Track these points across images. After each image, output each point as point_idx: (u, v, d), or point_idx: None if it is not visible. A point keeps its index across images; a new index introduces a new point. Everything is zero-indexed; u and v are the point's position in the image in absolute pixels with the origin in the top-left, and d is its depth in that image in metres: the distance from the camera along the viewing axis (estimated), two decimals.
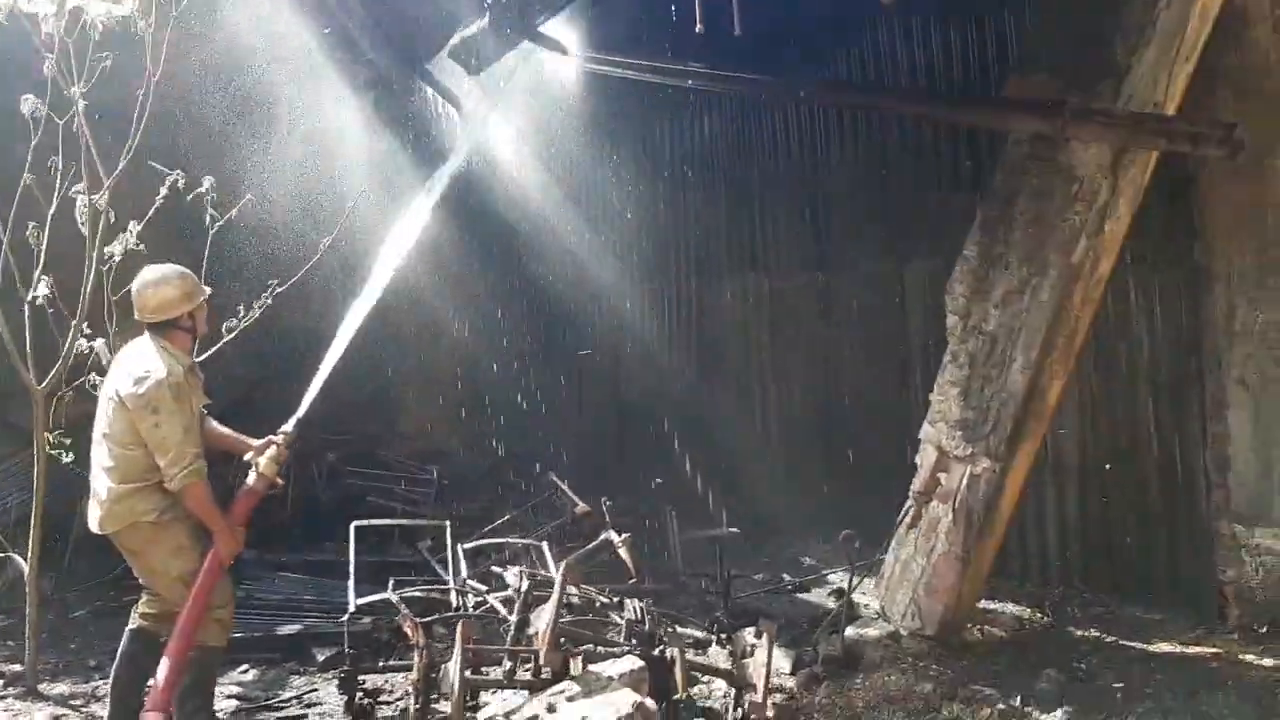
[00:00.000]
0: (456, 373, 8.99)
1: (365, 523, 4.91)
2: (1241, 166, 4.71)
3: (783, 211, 7.95)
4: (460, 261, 8.58)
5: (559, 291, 9.46)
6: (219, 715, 4.28)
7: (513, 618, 4.06)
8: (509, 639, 4.00)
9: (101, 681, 4.73)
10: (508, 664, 3.90)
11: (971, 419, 4.90)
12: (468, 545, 5.00)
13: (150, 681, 3.95)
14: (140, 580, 4.19)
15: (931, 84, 6.57)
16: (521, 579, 4.18)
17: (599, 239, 9.18)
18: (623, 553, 5.06)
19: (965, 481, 4.92)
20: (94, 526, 4.06)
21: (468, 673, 3.66)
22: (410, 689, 3.96)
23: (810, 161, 7.62)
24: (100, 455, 4.05)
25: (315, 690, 4.67)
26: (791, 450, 7.93)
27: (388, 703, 4.51)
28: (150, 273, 4.12)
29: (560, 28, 6.29)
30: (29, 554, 4.46)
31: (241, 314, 4.90)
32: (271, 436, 4.27)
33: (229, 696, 4.60)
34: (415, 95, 7.68)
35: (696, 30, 3.33)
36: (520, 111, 7.91)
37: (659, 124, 8.81)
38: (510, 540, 5.18)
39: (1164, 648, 5.10)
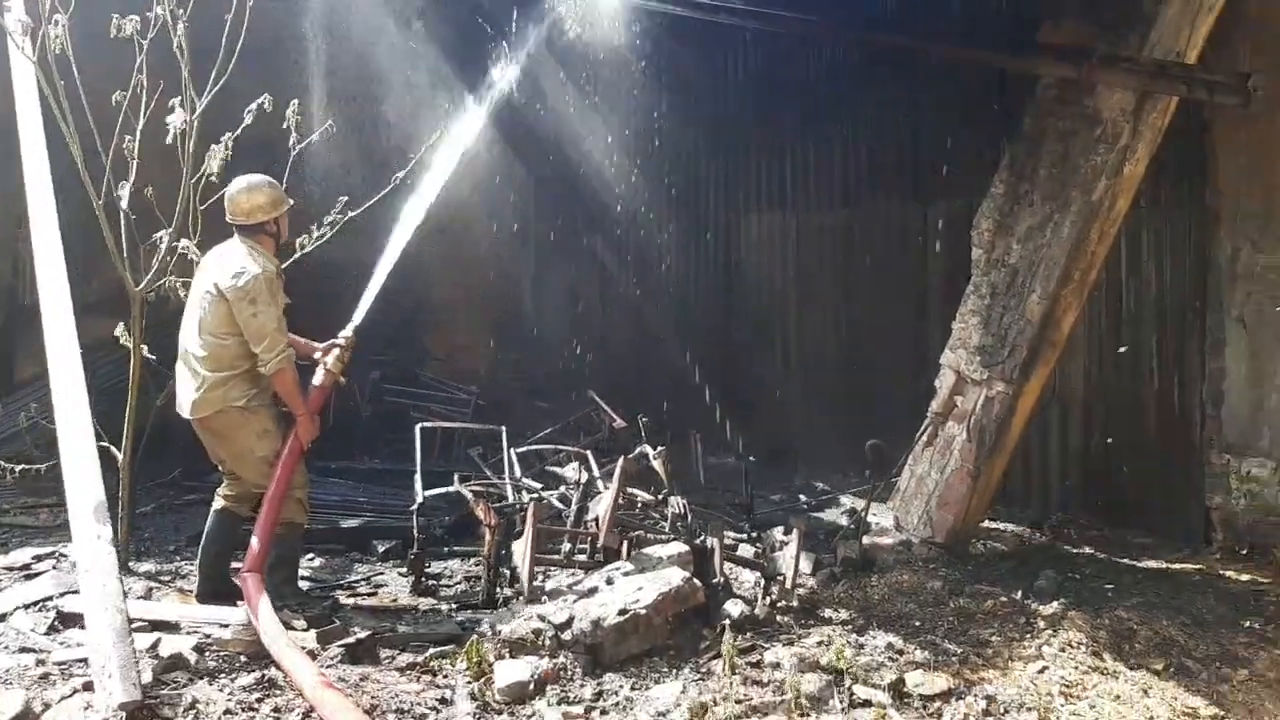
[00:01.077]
0: (490, 301, 9.36)
1: (430, 424, 5.32)
2: (1254, 115, 5.05)
3: (812, 150, 8.22)
4: (499, 192, 8.88)
5: (590, 221, 9.76)
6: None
7: (573, 505, 4.48)
8: (569, 524, 4.43)
9: (183, 562, 5.16)
10: (568, 546, 4.34)
11: (990, 345, 5.29)
12: (519, 450, 5.41)
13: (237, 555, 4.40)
14: (223, 464, 4.57)
15: (965, 24, 6.84)
16: (580, 472, 4.59)
17: (632, 169, 9.44)
18: (657, 465, 5.48)
19: (980, 403, 5.32)
20: (185, 412, 4.44)
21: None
22: (484, 561, 4.39)
23: (840, 102, 7.87)
24: (192, 347, 4.41)
25: (381, 575, 5.11)
26: (810, 381, 8.30)
27: (447, 585, 4.95)
28: (243, 180, 4.48)
29: None
30: (124, 441, 4.85)
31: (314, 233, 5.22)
32: (334, 340, 4.68)
33: (302, 578, 5.03)
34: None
35: None
36: (565, 42, 8.15)
37: (694, 60, 9.03)
38: (560, 447, 5.58)
39: (1152, 564, 5.56)
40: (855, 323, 8.00)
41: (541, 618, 3.89)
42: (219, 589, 4.45)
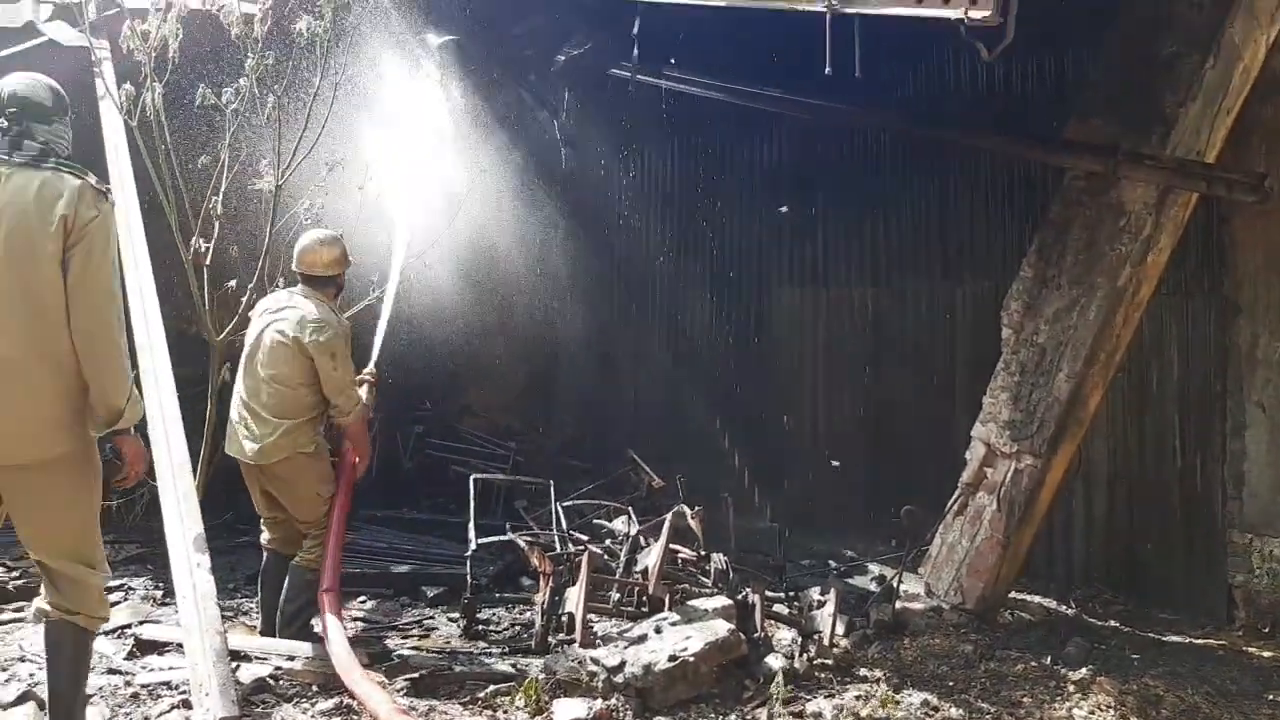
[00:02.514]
0: (528, 361, 9.70)
1: (483, 476, 5.59)
2: (1270, 211, 5.38)
3: (843, 228, 8.58)
4: (539, 258, 9.29)
5: (626, 289, 10.13)
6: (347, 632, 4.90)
7: (622, 557, 4.72)
8: (619, 574, 4.66)
9: (242, 599, 5.41)
10: (617, 595, 4.57)
11: (1019, 420, 5.54)
12: (565, 504, 5.66)
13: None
14: (269, 511, 4.72)
15: (991, 110, 7.24)
16: (630, 524, 4.84)
17: (667, 241, 9.85)
18: (693, 523, 5.71)
19: (1010, 475, 5.55)
20: (248, 458, 4.53)
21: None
22: (538, 607, 4.62)
23: (871, 183, 8.25)
24: (258, 394, 4.53)
25: (431, 619, 5.33)
26: (837, 451, 8.52)
27: (495, 630, 5.17)
28: (320, 233, 4.80)
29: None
30: (196, 481, 5.12)
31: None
32: (361, 375, 4.93)
33: (355, 619, 5.26)
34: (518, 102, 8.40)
35: (826, 72, 3.94)
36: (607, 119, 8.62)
37: (728, 139, 9.48)
38: (602, 502, 5.84)
39: (1176, 639, 5.72)
40: (882, 396, 8.25)
41: (595, 661, 4.10)
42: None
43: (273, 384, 4.53)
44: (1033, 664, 4.78)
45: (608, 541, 5.28)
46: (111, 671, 3.97)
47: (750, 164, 9.35)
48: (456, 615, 5.28)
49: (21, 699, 3.49)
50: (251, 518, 6.22)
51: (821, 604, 5.14)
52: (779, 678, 3.97)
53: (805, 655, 4.74)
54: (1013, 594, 6.15)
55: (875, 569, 7.09)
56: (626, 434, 9.32)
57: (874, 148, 8.27)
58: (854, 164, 8.39)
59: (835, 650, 4.85)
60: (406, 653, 4.62)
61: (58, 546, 3.03)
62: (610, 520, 5.85)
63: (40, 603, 3.08)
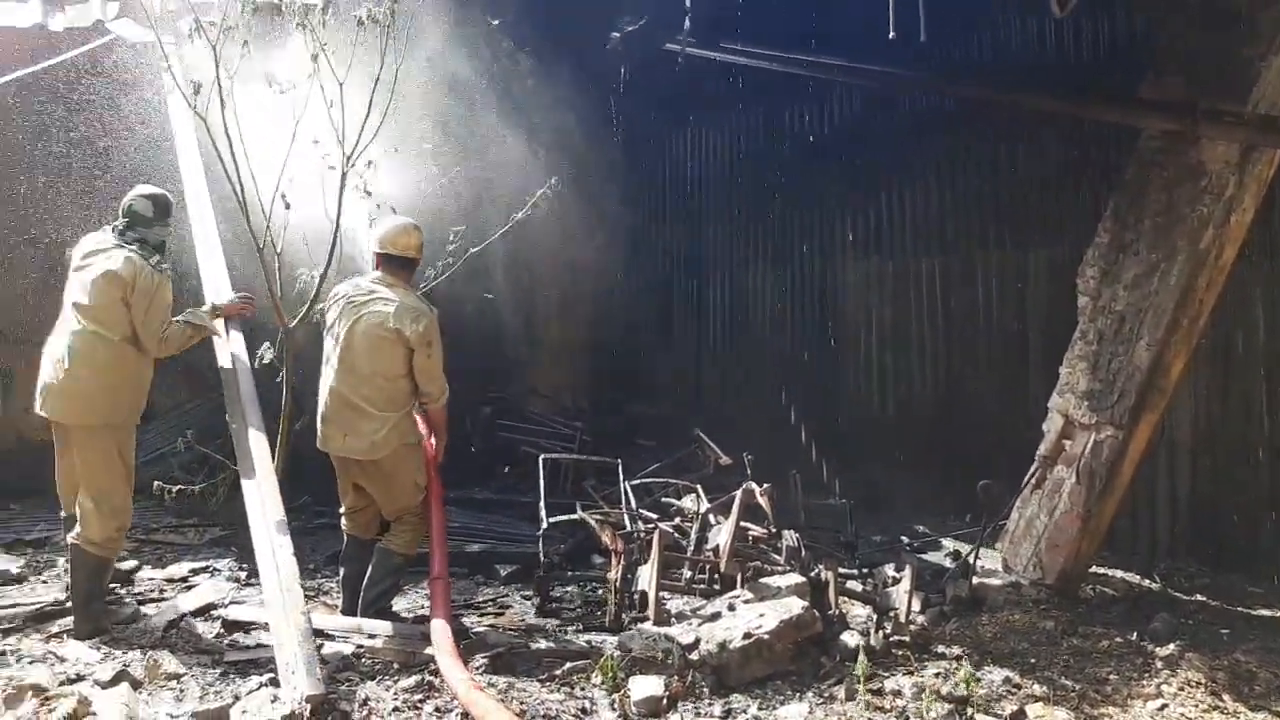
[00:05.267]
0: (593, 341, 9.75)
1: (553, 456, 5.62)
2: None
3: (908, 198, 8.41)
4: (606, 241, 9.29)
5: (686, 268, 10.09)
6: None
7: (693, 535, 4.71)
8: (690, 552, 4.65)
9: (322, 579, 5.53)
10: (688, 573, 4.56)
11: (1098, 390, 5.38)
12: (633, 482, 5.67)
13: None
14: (355, 499, 4.75)
15: (1060, 72, 7.00)
16: (699, 502, 4.83)
17: (731, 213, 9.77)
18: (762, 501, 5.67)
19: (1089, 447, 5.40)
20: (360, 454, 4.49)
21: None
22: (610, 586, 4.64)
23: (936, 150, 8.06)
24: (361, 388, 4.46)
25: (506, 597, 5.40)
26: (907, 425, 8.40)
27: (568, 608, 5.21)
28: (400, 219, 4.84)
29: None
30: (276, 466, 5.24)
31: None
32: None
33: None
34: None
35: (890, 37, 3.85)
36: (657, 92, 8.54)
37: (787, 111, 9.35)
38: (670, 480, 5.84)
39: (1265, 612, 5.52)
40: (952, 367, 8.09)
41: (669, 638, 4.11)
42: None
43: (378, 378, 4.48)
44: (1118, 640, 4.67)
45: (677, 519, 5.28)
46: (200, 651, 4.09)
47: (812, 135, 9.21)
48: (530, 593, 5.34)
49: (116, 679, 3.61)
50: (327, 499, 6.39)
51: (896, 580, 5.08)
52: (861, 655, 3.93)
53: (881, 632, 4.69)
54: (1094, 568, 6.00)
55: (949, 545, 6.97)
56: (691, 412, 9.32)
57: (938, 114, 8.07)
58: (917, 131, 8.20)
59: (912, 627, 4.79)
60: (483, 630, 4.69)
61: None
62: (679, 498, 5.84)
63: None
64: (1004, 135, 7.49)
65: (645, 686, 3.78)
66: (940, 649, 4.63)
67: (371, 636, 4.31)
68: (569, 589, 5.46)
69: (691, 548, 4.74)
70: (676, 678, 3.93)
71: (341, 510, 4.88)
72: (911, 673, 4.20)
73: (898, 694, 3.97)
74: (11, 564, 5.26)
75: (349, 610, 4.73)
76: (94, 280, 4.37)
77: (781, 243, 9.50)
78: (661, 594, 4.59)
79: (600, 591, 5.49)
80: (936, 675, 4.18)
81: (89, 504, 4.30)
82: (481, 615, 5.05)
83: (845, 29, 7.05)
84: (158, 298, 4.37)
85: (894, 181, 8.45)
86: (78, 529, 4.32)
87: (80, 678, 3.72)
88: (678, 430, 8.33)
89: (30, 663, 3.90)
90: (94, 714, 3.32)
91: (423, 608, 5.11)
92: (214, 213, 5.60)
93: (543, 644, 4.46)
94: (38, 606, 4.54)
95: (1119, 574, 6.18)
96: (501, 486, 7.58)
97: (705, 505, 5.14)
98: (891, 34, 3.90)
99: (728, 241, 9.87)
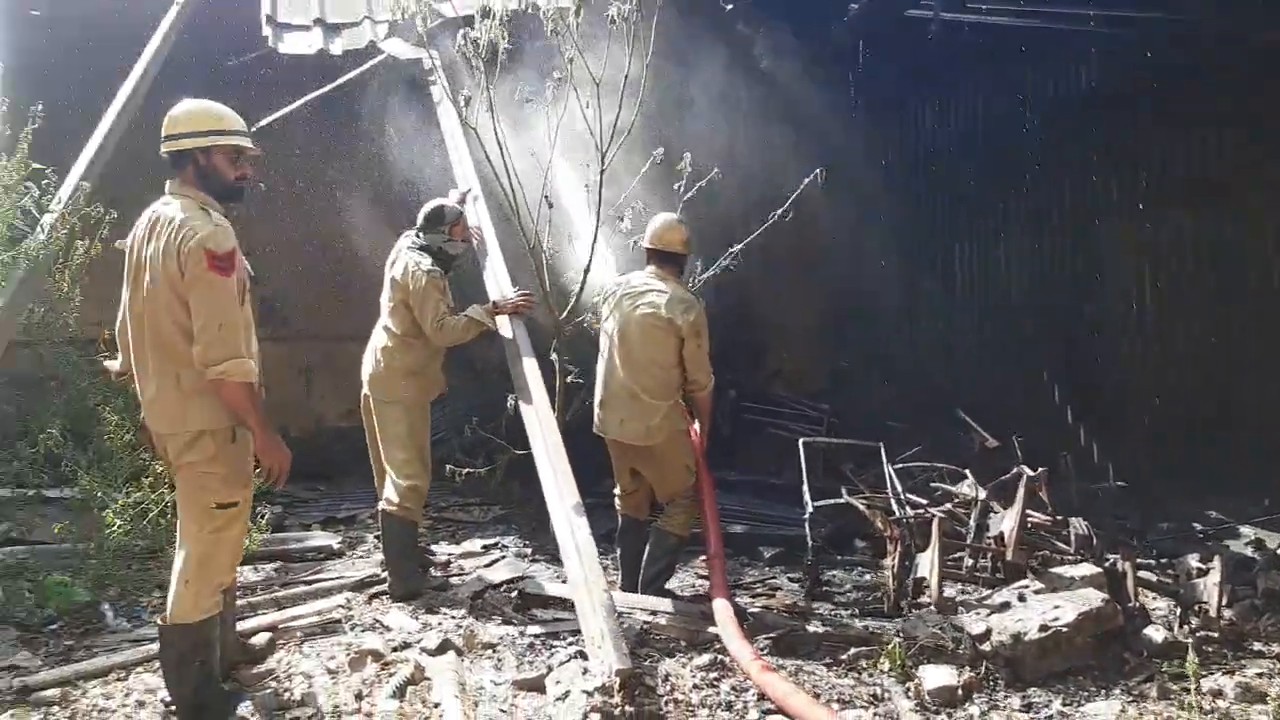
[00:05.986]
0: (834, 320, 9.62)
1: (811, 440, 5.62)
2: None
3: (1170, 149, 7.68)
4: (841, 218, 9.11)
5: (932, 242, 9.74)
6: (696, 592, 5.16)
7: (971, 521, 4.56)
8: (970, 539, 4.51)
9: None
10: (969, 561, 4.43)
11: None
12: (896, 465, 5.55)
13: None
14: (630, 483, 4.95)
15: None
16: (977, 489, 4.67)
17: (973, 186, 9.32)
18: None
19: None
20: (639, 440, 4.70)
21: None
22: (890, 571, 4.60)
23: (1202, 97, 7.32)
24: (637, 377, 4.66)
25: (774, 578, 5.47)
26: (1183, 399, 7.72)
27: (838, 592, 5.20)
28: (668, 215, 5.00)
29: None
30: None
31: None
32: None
33: (702, 577, 5.49)
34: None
35: None
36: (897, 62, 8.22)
37: (1035, 71, 8.77)
38: (935, 464, 5.67)
39: None
40: (1231, 334, 7.33)
41: (957, 627, 4.01)
42: (636, 582, 4.99)
43: (653, 366, 4.68)
44: None
45: (947, 505, 5.12)
46: (506, 623, 4.42)
47: (1061, 93, 8.61)
48: (796, 575, 5.38)
49: (442, 647, 3.98)
50: (595, 479, 6.71)
51: (1203, 572, 4.69)
52: (1190, 653, 3.66)
53: (1187, 627, 4.36)
54: None
55: (1249, 532, 6.36)
56: (944, 392, 8.98)
57: (1201, 59, 7.28)
58: (1178, 79, 7.45)
59: (1222, 622, 4.41)
60: (758, 610, 4.77)
61: None
62: (945, 482, 5.66)
63: None
64: None
65: (938, 676, 3.71)
66: (1257, 646, 4.26)
67: (654, 614, 4.49)
68: (835, 573, 5.45)
69: (971, 535, 4.58)
70: (969, 668, 3.84)
71: (616, 492, 5.11)
72: (1231, 672, 3.88)
73: (1218, 694, 3.69)
74: (331, 539, 5.89)
75: (627, 587, 4.96)
76: (387, 282, 5.05)
77: (1034, 207, 8.95)
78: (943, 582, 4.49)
79: (867, 576, 5.45)
80: (1260, 675, 3.85)
81: (388, 470, 4.90)
82: (754, 596, 5.14)
83: None
84: (427, 295, 4.79)
85: (1156, 135, 7.74)
86: (383, 497, 4.90)
87: (407, 645, 4.12)
88: (931, 412, 8.06)
89: (363, 630, 4.36)
90: (428, 679, 3.68)
91: (693, 586, 5.29)
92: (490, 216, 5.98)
93: (820, 627, 4.47)
94: (359, 579, 5.07)
95: None
96: (750, 468, 7.64)
97: (982, 492, 4.96)
98: None
99: (976, 211, 9.40)
